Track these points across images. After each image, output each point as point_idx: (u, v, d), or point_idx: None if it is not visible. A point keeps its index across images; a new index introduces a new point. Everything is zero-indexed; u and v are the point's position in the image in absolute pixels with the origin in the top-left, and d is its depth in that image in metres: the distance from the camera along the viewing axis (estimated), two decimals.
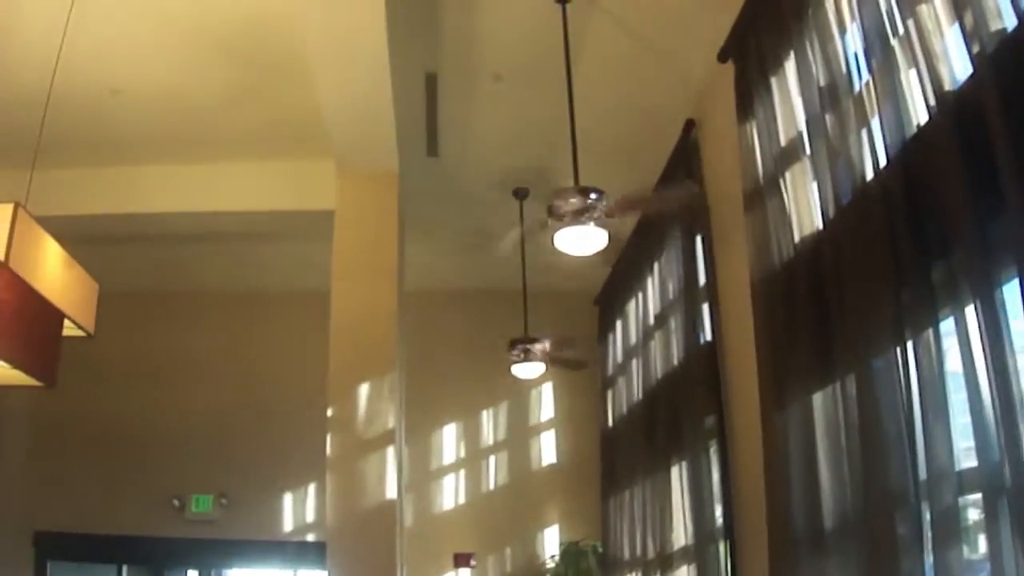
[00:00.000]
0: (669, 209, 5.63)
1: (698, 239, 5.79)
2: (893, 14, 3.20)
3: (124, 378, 8.90)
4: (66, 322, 4.00)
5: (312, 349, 6.80)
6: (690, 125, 5.94)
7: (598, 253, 4.92)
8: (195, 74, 5.83)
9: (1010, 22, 2.55)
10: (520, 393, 9.50)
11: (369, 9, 4.60)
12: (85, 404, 8.45)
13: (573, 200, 4.56)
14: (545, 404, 9.68)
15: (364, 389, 6.12)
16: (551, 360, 7.47)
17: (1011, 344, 2.42)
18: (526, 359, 7.32)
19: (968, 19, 2.70)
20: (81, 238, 6.23)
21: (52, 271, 3.80)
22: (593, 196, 4.57)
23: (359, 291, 6.28)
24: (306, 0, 4.63)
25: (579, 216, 4.56)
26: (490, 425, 9.61)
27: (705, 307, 5.65)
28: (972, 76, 2.71)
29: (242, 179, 7.03)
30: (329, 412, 6.05)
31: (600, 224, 4.60)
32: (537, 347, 7.23)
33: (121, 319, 6.77)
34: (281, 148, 6.83)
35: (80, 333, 4.15)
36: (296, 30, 4.98)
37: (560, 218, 4.62)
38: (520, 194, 7.42)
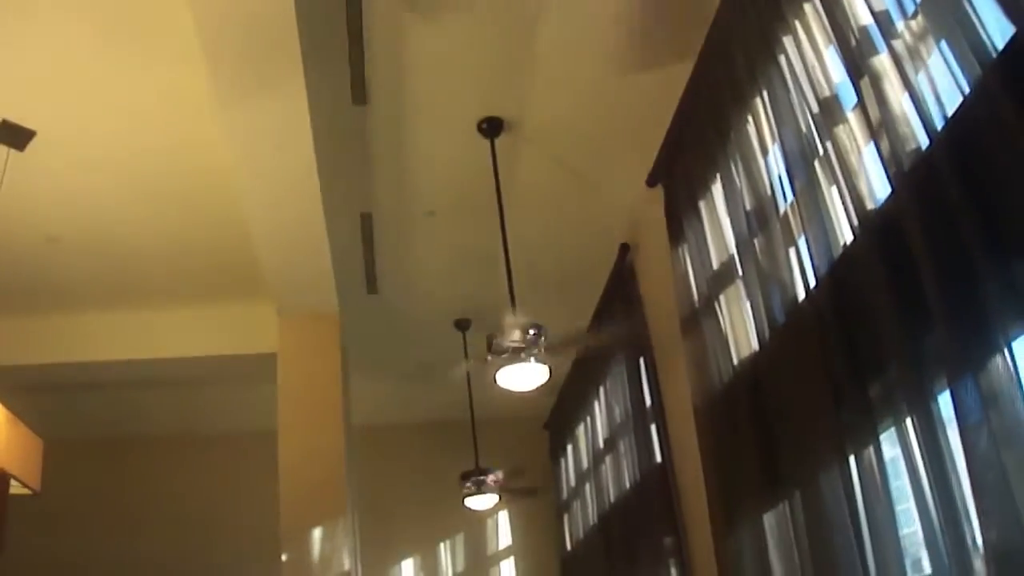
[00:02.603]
0: (605, 346, 5.73)
1: (641, 362, 5.84)
2: (812, 136, 3.30)
3: (73, 528, 8.58)
4: (12, 480, 3.95)
5: (263, 491, 6.69)
6: (625, 249, 6.05)
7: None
8: (132, 222, 5.85)
9: (923, 140, 2.62)
10: (476, 523, 9.44)
11: (300, 155, 4.66)
12: (32, 555, 8.16)
13: (513, 337, 4.60)
14: (502, 533, 9.61)
15: (317, 532, 6.02)
16: (504, 490, 7.45)
17: (950, 454, 2.47)
18: (479, 491, 7.30)
19: (883, 140, 2.79)
20: (22, 387, 6.17)
21: None
22: (532, 332, 4.61)
23: (306, 432, 6.22)
24: (237, 149, 4.67)
25: (519, 352, 4.60)
26: (447, 557, 9.51)
27: (654, 429, 5.67)
28: (891, 195, 2.79)
29: (183, 325, 6.99)
30: (284, 557, 5.93)
31: (540, 359, 4.64)
32: (489, 478, 7.21)
33: (67, 468, 6.66)
34: (221, 293, 6.84)
35: (26, 491, 4.09)
36: (231, 179, 5.03)
37: (500, 354, 4.65)
38: (462, 325, 7.47)
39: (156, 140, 5.07)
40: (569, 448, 8.50)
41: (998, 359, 2.26)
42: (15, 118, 4.66)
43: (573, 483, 8.36)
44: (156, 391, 8.27)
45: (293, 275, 5.99)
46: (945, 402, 2.55)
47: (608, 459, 6.81)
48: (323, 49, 4.26)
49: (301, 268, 5.91)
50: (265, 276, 6.02)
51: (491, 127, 5.03)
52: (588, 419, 7.56)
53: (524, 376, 4.74)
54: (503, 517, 9.58)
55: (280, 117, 4.39)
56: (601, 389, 6.99)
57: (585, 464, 7.77)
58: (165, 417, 8.97)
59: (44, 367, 6.80)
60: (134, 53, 4.42)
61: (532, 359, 4.60)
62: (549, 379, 4.87)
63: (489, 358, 4.64)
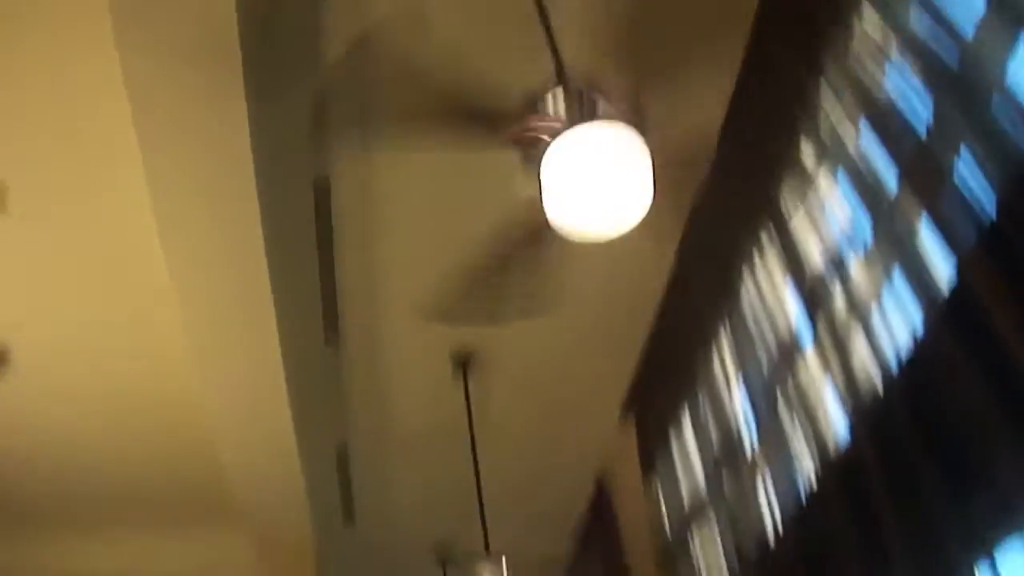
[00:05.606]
0: None
1: None
2: (774, 378, 3.40)
3: None
4: None
5: None
6: (601, 480, 6.06)
7: None
8: (102, 450, 5.88)
9: (879, 384, 2.68)
10: None
11: (272, 389, 4.68)
12: None
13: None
14: None
15: None
16: None
17: None
18: None
19: (840, 384, 2.88)
20: None
21: None
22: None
23: None
24: (210, 384, 4.71)
25: None
26: None
27: None
28: (851, 437, 2.85)
29: (152, 554, 6.89)
30: None
31: None
32: None
33: None
34: (194, 523, 6.76)
35: None
36: (205, 415, 5.07)
37: None
38: (441, 555, 7.36)
39: (128, 368, 5.17)
40: None
41: None
42: None
43: None
44: None
45: (267, 506, 5.92)
46: None
47: None
48: (297, 288, 4.40)
49: (275, 499, 5.82)
50: (239, 508, 5.96)
51: (463, 361, 5.14)
52: None
53: None
54: None
55: (253, 356, 4.46)
56: None
57: None
58: None
59: None
60: (110, 288, 4.57)
61: None
62: None
63: None
